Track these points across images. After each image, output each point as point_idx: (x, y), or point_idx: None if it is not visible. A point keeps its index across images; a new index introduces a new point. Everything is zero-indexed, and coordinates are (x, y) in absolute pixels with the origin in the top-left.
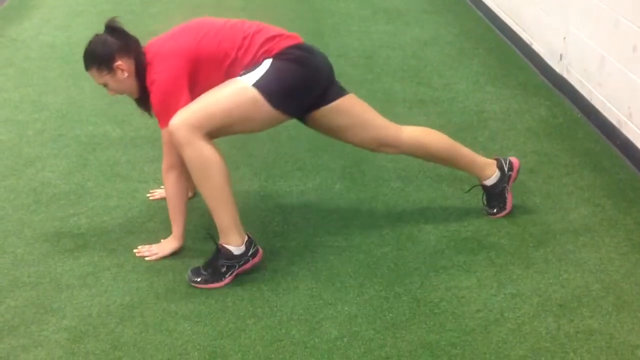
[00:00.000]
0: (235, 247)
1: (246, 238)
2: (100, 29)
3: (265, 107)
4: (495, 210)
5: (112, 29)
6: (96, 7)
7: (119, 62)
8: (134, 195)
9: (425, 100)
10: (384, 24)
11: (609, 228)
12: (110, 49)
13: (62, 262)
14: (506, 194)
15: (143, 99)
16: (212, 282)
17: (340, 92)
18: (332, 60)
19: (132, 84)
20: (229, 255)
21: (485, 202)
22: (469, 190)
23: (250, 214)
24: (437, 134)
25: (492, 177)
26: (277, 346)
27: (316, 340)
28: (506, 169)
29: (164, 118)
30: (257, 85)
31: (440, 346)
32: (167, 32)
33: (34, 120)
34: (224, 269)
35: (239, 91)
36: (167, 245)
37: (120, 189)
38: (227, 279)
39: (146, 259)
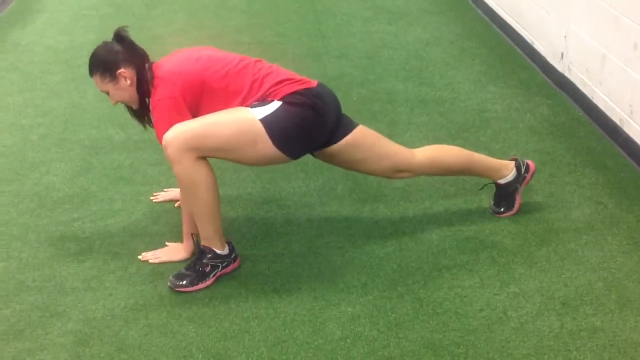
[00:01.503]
0: (219, 249)
1: (226, 245)
2: (102, 32)
3: (267, 145)
4: (501, 210)
5: (120, 37)
6: (99, 10)
7: (122, 70)
8: (138, 199)
9: (428, 100)
10: (386, 24)
11: (611, 226)
12: (115, 56)
13: (67, 266)
14: (516, 195)
15: (141, 111)
16: (198, 282)
17: (349, 128)
18: (334, 61)
19: (133, 94)
20: (213, 254)
21: (493, 200)
22: (481, 189)
23: (253, 216)
24: (449, 149)
25: (509, 175)
26: (281, 347)
27: (320, 341)
28: (523, 170)
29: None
30: (264, 121)
31: (443, 345)
32: (177, 54)
33: (37, 125)
34: (208, 269)
35: (245, 121)
36: (175, 253)
37: (124, 193)
38: (211, 280)
39: (150, 261)
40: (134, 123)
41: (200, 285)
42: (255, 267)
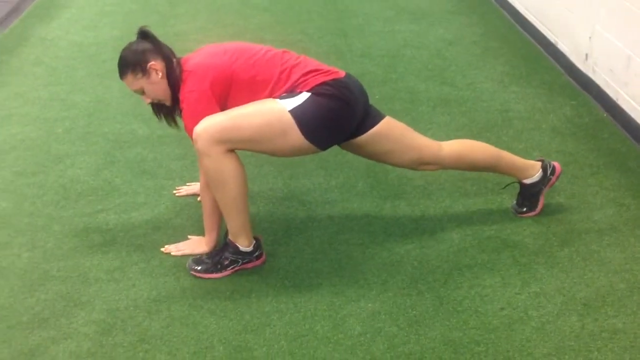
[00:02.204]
0: (243, 246)
1: (254, 242)
2: (127, 29)
3: (296, 136)
4: (524, 210)
5: (145, 34)
6: (123, 7)
7: (152, 63)
8: (161, 192)
9: (450, 99)
10: (408, 23)
11: (633, 228)
12: (143, 51)
13: (91, 257)
14: (540, 197)
15: (169, 108)
16: (213, 272)
17: (376, 119)
18: (356, 59)
19: (166, 87)
20: (235, 249)
21: (516, 199)
22: (504, 187)
23: (274, 212)
24: (476, 145)
25: (535, 176)
26: (301, 341)
27: (340, 336)
28: (549, 172)
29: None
30: (293, 112)
31: (463, 343)
32: (204, 49)
33: (62, 118)
34: (226, 262)
35: (275, 113)
36: (197, 246)
37: (147, 186)
38: (227, 272)
39: (172, 254)
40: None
41: (214, 275)
42: (276, 262)
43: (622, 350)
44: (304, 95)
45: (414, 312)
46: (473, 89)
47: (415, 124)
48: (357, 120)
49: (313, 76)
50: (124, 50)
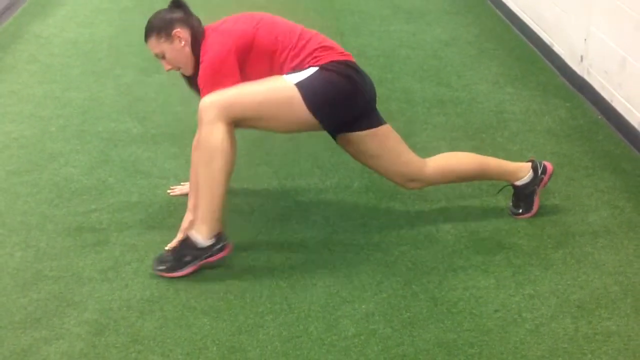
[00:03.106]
0: (202, 239)
1: (216, 232)
2: (122, 26)
3: (300, 108)
4: (520, 211)
5: (177, 2)
6: (119, 4)
7: (178, 30)
8: (155, 192)
9: (445, 100)
10: (404, 23)
11: (628, 230)
12: (170, 17)
13: (84, 257)
14: (534, 197)
15: (195, 78)
16: (175, 270)
17: (378, 122)
18: None
19: (188, 55)
20: (193, 246)
21: (512, 202)
22: (498, 192)
23: (269, 212)
24: (460, 157)
25: (525, 177)
26: (295, 342)
27: (334, 337)
28: (540, 172)
29: (208, 91)
30: (299, 84)
31: (457, 345)
32: (229, 18)
33: (57, 116)
34: (187, 259)
35: (280, 87)
36: (185, 219)
37: (141, 185)
38: (190, 268)
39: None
40: (152, 117)
41: (177, 273)
42: (271, 263)
43: (615, 352)
44: (312, 70)
45: (408, 313)
46: (468, 89)
47: (410, 124)
48: (362, 105)
49: (327, 52)
50: (153, 15)
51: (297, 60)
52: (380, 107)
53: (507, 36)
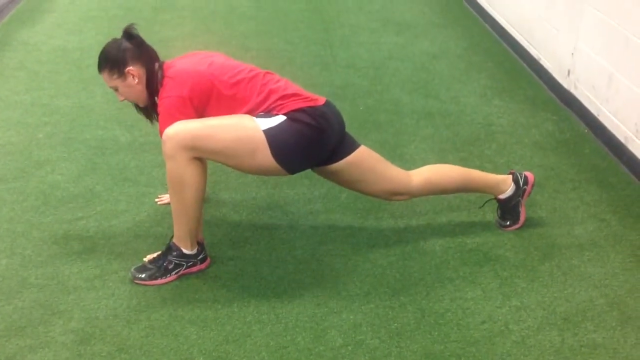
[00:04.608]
0: (186, 250)
1: (197, 246)
2: (111, 34)
3: (266, 156)
4: (508, 223)
5: (130, 35)
6: (107, 12)
7: (130, 68)
8: (142, 200)
9: (433, 112)
10: (393, 36)
11: (614, 243)
12: (124, 54)
13: (70, 265)
14: (519, 208)
15: (148, 108)
16: (158, 277)
17: (351, 148)
18: (341, 70)
19: (141, 91)
20: (179, 253)
21: (498, 214)
22: (482, 206)
23: (257, 221)
24: (445, 170)
25: (507, 190)
26: (282, 353)
27: (321, 348)
28: (521, 183)
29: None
30: (266, 132)
31: (444, 356)
32: (189, 56)
33: (44, 124)
34: (171, 266)
35: (248, 129)
36: None
37: (128, 194)
38: (172, 277)
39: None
40: (140, 125)
41: (160, 281)
42: (258, 272)
43: None
44: (280, 118)
45: (396, 324)
46: (457, 102)
47: (399, 136)
48: (330, 149)
49: (291, 100)
50: (108, 45)
51: (261, 109)
52: (369, 118)
53: (495, 50)
